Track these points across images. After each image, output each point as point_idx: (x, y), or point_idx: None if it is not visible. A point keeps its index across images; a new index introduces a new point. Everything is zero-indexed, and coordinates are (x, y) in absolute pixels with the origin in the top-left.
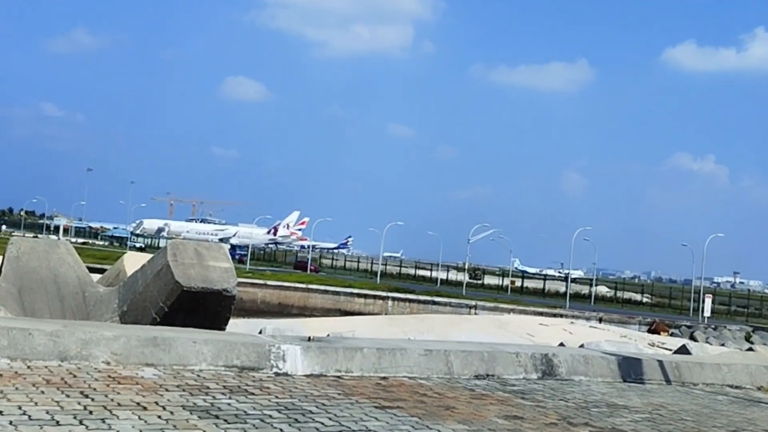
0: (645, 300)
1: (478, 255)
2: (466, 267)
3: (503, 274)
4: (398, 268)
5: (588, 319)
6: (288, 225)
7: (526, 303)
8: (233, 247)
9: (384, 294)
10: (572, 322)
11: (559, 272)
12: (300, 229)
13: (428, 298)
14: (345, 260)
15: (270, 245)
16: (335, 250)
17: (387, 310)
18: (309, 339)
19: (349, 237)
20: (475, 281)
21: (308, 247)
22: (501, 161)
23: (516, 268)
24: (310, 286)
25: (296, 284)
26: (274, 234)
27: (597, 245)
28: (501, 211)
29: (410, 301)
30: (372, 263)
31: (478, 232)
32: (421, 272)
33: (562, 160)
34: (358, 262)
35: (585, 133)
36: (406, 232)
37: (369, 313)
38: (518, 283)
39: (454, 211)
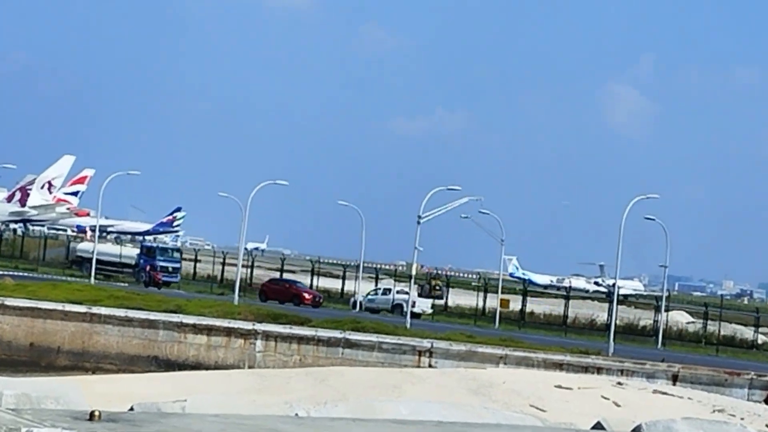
0: (762, 339)
1: (439, 249)
2: (414, 271)
3: (485, 286)
4: (278, 273)
5: (651, 376)
6: (50, 184)
7: (529, 343)
8: None
9: (246, 327)
10: (620, 383)
11: (597, 282)
12: (76, 193)
13: (338, 334)
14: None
15: (13, 224)
16: (152, 236)
17: (254, 358)
18: (91, 417)
19: (178, 211)
20: (432, 298)
21: (93, 230)
22: (486, 64)
23: (512, 274)
24: (97, 311)
25: (68, 306)
26: (22, 203)
27: (670, 232)
28: (484, 159)
29: (301, 340)
30: (224, 263)
31: (437, 202)
32: (325, 282)
33: (604, 65)
34: (196, 260)
35: (648, 18)
36: (293, 204)
37: (219, 366)
38: (515, 303)
39: (391, 161)
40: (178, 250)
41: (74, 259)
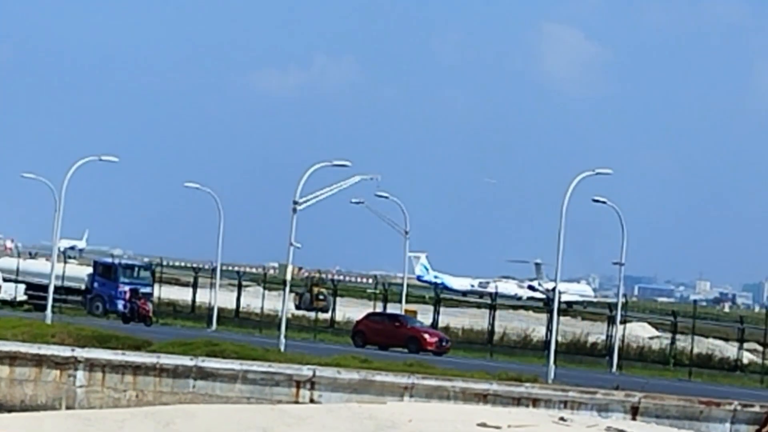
0: (748, 358)
1: (323, 246)
2: (289, 276)
3: (385, 293)
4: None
5: (604, 408)
6: None
7: (443, 369)
8: None
9: (63, 353)
10: (563, 418)
11: (531, 287)
12: None
13: (188, 361)
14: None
15: None
16: None
17: (74, 395)
18: None
19: None
20: (315, 310)
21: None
22: None
23: (421, 277)
24: None
25: None
26: None
27: (627, 219)
28: (381, 124)
29: (138, 370)
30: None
31: (319, 183)
32: (170, 292)
33: None
34: None
35: None
36: (125, 188)
37: (27, 407)
38: (424, 315)
39: (257, 129)
40: (148, 267)
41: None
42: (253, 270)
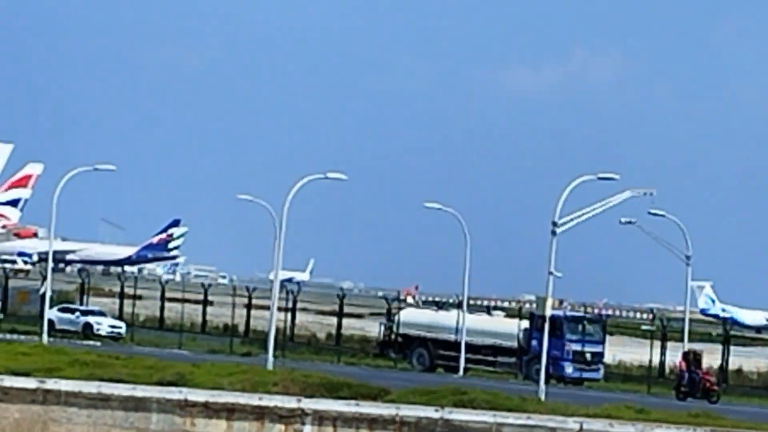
0: None
1: (588, 274)
2: (548, 309)
3: (663, 330)
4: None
5: None
6: None
7: (735, 421)
8: None
9: (288, 404)
10: None
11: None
12: (15, 202)
13: (433, 413)
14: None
15: None
16: (135, 265)
17: None
18: None
19: (175, 225)
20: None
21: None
22: None
23: (705, 311)
24: (54, 386)
25: (8, 380)
26: None
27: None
28: (654, 128)
29: (374, 424)
30: (250, 306)
31: (582, 200)
32: None
33: None
34: (206, 302)
35: None
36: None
37: None
38: (711, 357)
39: (503, 132)
40: (597, 320)
41: (385, 341)
42: (505, 303)
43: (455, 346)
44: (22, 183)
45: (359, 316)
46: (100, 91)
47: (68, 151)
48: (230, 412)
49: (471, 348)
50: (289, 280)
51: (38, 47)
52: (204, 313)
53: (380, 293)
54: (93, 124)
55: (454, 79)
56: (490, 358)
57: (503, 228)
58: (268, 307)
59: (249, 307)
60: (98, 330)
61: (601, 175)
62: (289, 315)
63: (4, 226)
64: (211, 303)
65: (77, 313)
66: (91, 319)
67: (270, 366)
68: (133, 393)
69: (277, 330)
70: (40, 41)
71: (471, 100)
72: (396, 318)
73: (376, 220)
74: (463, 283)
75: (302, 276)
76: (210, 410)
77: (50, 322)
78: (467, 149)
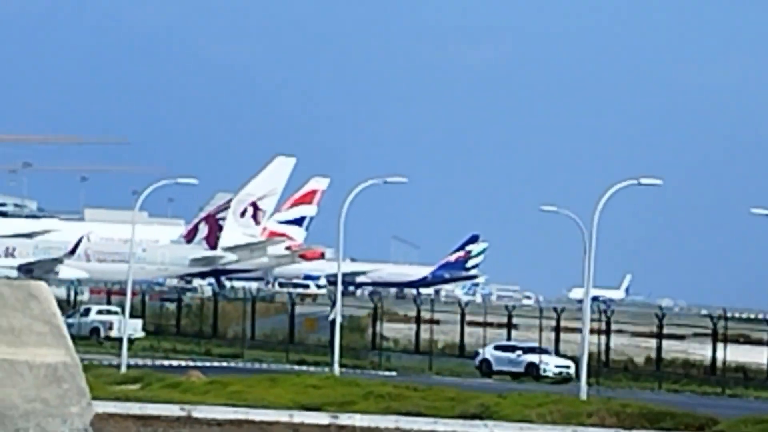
0: None
1: None
2: None
3: None
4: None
5: None
6: (256, 207)
7: None
8: None
9: None
10: None
11: None
12: (300, 221)
13: None
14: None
15: (198, 279)
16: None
17: None
18: None
19: (473, 242)
20: None
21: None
22: None
23: None
24: (349, 421)
25: (298, 415)
26: (210, 243)
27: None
28: None
29: None
30: (558, 329)
31: None
32: (734, 353)
33: None
34: (510, 325)
35: None
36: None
37: None
38: None
39: None
40: None
41: None
42: None
43: None
44: (306, 200)
45: (681, 337)
46: (384, 97)
47: (354, 164)
48: None
49: None
50: (596, 298)
51: (325, 57)
52: (509, 337)
53: (703, 311)
54: (379, 133)
55: None
56: None
57: None
58: (579, 330)
59: (557, 330)
60: (545, 371)
61: None
62: (602, 338)
63: (288, 248)
64: (516, 326)
65: (518, 351)
66: (534, 357)
67: (583, 395)
68: (434, 427)
69: (590, 354)
70: (324, 55)
71: None
72: None
73: (697, 229)
74: None
75: (617, 294)
76: None
77: (485, 362)
78: None
